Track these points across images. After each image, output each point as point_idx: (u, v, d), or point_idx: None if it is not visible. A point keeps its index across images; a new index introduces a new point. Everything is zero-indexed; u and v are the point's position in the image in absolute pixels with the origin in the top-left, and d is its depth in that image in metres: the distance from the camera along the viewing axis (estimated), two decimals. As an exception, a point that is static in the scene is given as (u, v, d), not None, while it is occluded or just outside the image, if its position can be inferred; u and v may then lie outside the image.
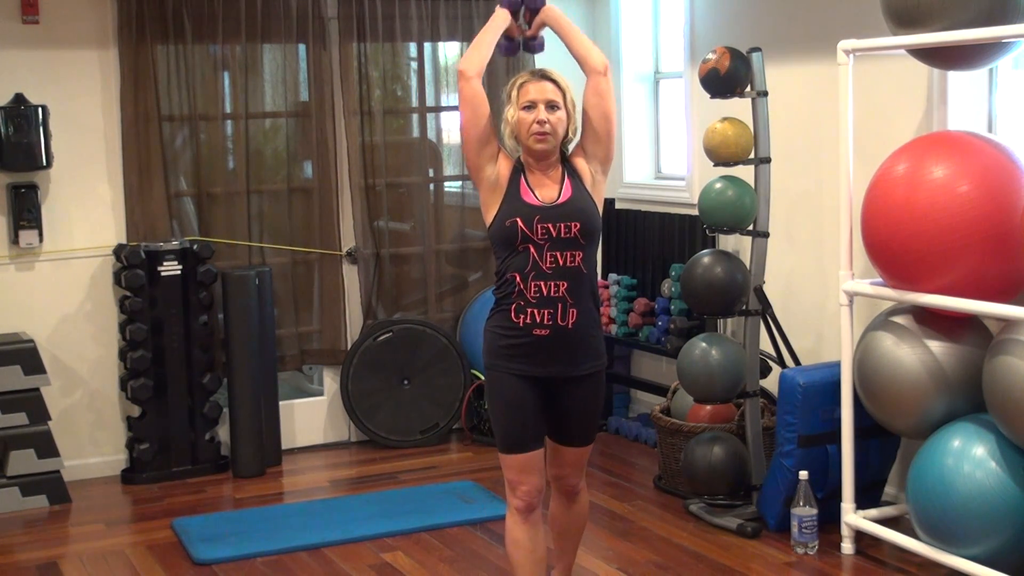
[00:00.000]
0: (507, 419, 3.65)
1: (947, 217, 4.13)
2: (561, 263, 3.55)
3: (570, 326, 3.57)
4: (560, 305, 3.55)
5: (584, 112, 3.68)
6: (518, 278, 3.56)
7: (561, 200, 3.58)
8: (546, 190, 3.60)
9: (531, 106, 3.56)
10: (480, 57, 3.65)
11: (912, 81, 4.82)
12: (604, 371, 3.75)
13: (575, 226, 3.55)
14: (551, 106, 3.56)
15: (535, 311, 3.55)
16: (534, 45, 3.84)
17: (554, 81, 3.59)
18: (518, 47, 3.84)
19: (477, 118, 3.61)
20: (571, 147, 3.69)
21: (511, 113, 3.60)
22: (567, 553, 3.99)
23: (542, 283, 3.55)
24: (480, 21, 6.36)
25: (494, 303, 3.67)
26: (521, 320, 3.57)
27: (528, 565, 3.70)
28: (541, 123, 3.55)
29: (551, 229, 3.54)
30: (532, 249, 3.55)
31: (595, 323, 3.66)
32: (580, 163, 3.67)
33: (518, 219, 3.55)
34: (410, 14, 6.31)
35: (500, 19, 3.73)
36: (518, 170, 3.63)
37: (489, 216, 3.64)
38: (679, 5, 6.21)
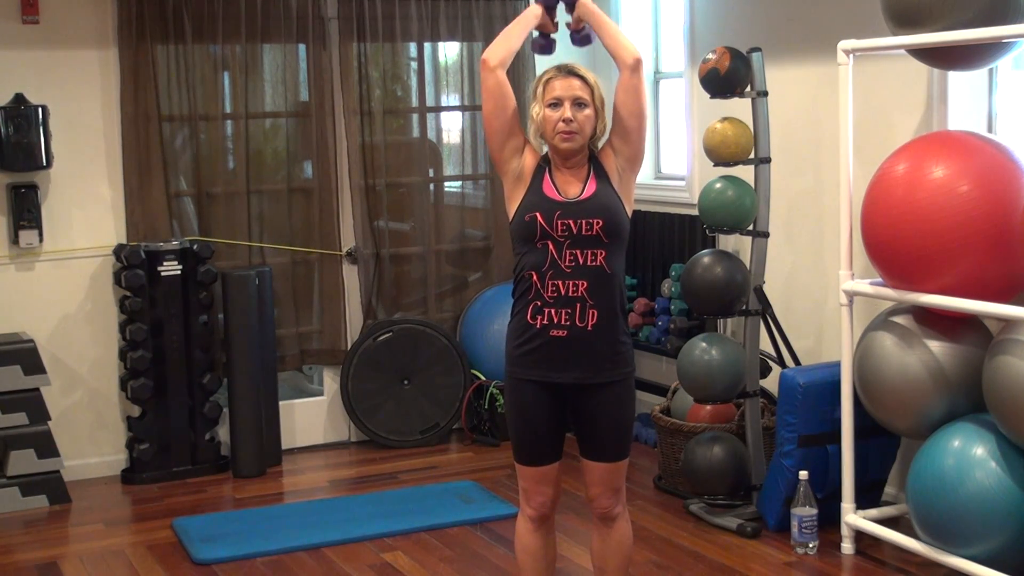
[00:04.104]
0: (521, 431, 3.55)
1: (947, 217, 4.13)
2: (581, 261, 3.41)
3: (589, 327, 3.41)
4: (579, 305, 3.41)
5: (615, 109, 3.51)
6: (535, 276, 3.43)
7: (584, 196, 3.45)
8: (570, 186, 3.47)
9: (557, 103, 3.43)
10: (504, 47, 3.50)
11: (912, 81, 4.82)
12: (631, 380, 3.55)
13: (597, 223, 3.41)
14: (578, 103, 3.43)
15: (552, 311, 3.41)
16: (578, 38, 3.66)
17: (581, 77, 3.45)
18: (553, 45, 3.69)
19: (500, 109, 3.48)
20: (600, 144, 3.56)
21: (536, 110, 3.47)
22: None
23: (560, 282, 3.41)
24: (480, 21, 6.37)
25: (512, 307, 3.53)
26: (538, 321, 3.43)
27: (536, 570, 3.67)
28: (567, 121, 3.41)
29: (572, 225, 3.41)
30: (551, 246, 3.41)
31: (620, 329, 3.48)
32: (608, 161, 3.53)
33: (537, 213, 3.42)
34: (410, 14, 6.31)
35: (530, 12, 3.58)
36: (543, 165, 3.51)
37: (511, 210, 3.51)
38: (679, 5, 6.20)
